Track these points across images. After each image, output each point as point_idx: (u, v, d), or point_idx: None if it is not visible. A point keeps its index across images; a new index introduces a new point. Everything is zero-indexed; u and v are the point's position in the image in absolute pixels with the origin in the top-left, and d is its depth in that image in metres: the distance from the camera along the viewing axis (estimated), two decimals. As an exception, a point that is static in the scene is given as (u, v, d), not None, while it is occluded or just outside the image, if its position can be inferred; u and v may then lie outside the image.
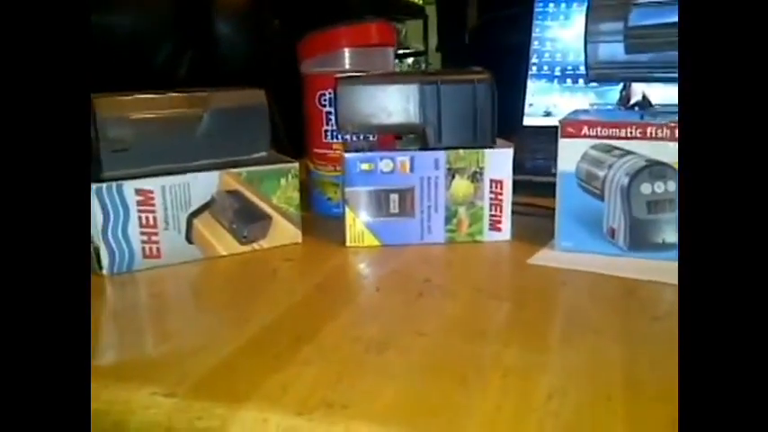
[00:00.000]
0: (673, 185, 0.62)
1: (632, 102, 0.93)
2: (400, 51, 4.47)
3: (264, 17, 1.47)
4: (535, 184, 0.80)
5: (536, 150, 0.97)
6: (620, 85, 0.87)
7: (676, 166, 0.61)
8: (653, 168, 0.62)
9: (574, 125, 0.64)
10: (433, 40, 4.98)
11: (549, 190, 0.67)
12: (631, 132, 0.62)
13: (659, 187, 0.62)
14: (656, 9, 0.64)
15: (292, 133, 0.97)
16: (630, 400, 0.41)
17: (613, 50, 0.67)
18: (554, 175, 0.66)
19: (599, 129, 0.63)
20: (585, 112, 0.71)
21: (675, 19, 0.65)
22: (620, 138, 0.63)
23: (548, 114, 1.10)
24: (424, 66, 4.48)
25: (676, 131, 0.61)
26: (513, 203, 0.71)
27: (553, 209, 0.67)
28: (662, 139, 0.61)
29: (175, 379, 0.45)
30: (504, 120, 0.74)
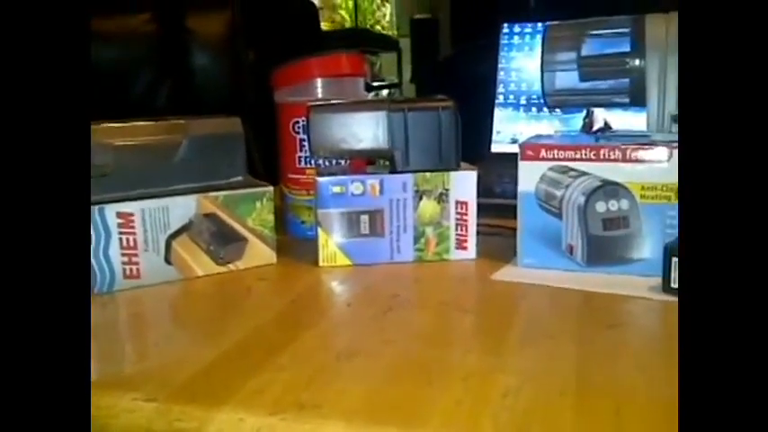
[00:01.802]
0: (626, 203, 0.66)
1: (595, 128, 0.97)
2: (375, 83, 4.54)
3: (239, 49, 1.51)
4: (502, 207, 0.84)
5: (503, 175, 1.01)
6: (584, 113, 0.92)
7: (628, 185, 0.65)
8: (607, 188, 0.66)
9: (533, 148, 0.68)
10: (407, 73, 5.07)
11: (515, 212, 0.71)
12: (586, 154, 0.66)
13: (613, 206, 0.66)
14: (607, 40, 0.69)
15: (266, 161, 1.01)
16: (581, 395, 0.44)
17: (569, 79, 0.71)
18: (518, 198, 0.69)
19: (556, 151, 0.67)
20: (545, 136, 0.75)
21: (625, 48, 0.69)
22: (575, 159, 0.67)
23: (514, 142, 1.14)
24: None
25: (628, 153, 0.65)
26: (480, 224, 0.75)
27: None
28: (614, 160, 0.66)
29: (156, 386, 0.47)
30: (472, 146, 0.78)
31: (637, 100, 0.84)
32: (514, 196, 0.70)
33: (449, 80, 1.99)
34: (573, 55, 0.71)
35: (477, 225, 0.74)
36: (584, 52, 0.70)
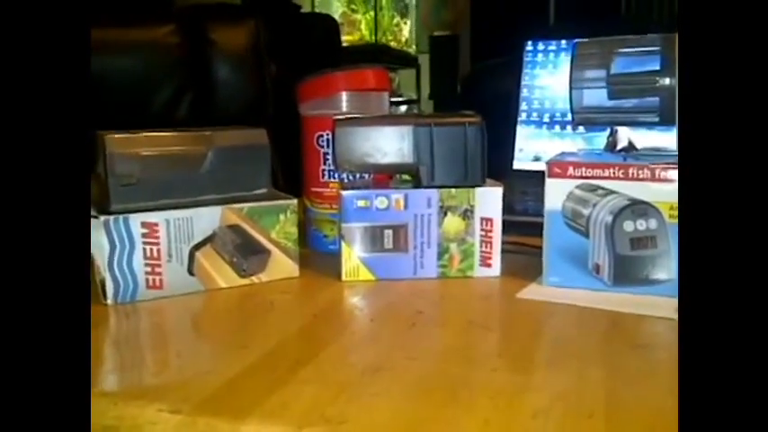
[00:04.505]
0: (654, 223, 0.65)
1: (619, 147, 0.97)
2: (393, 99, 4.55)
3: (262, 61, 1.52)
4: (525, 225, 0.83)
5: (526, 193, 1.00)
6: (608, 131, 0.91)
7: (657, 204, 0.65)
8: (635, 207, 0.65)
9: (560, 166, 0.68)
10: (426, 89, 5.08)
11: (539, 230, 0.70)
12: (614, 173, 0.66)
13: (641, 225, 0.65)
14: (637, 58, 0.68)
15: (287, 174, 1.00)
16: (611, 417, 0.44)
17: (597, 96, 0.71)
18: (543, 215, 0.69)
19: (584, 169, 0.67)
20: (572, 154, 0.75)
21: (655, 67, 0.69)
22: (603, 178, 0.66)
23: (537, 159, 1.14)
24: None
25: (657, 172, 0.64)
26: (504, 242, 0.74)
27: (541, 247, 0.70)
28: (643, 179, 0.65)
29: (181, 398, 0.47)
30: (495, 164, 0.77)
31: (666, 119, 0.83)
32: (537, 214, 0.70)
33: (469, 97, 1.99)
34: (602, 73, 0.70)
35: (502, 242, 0.73)
36: (613, 70, 0.70)
